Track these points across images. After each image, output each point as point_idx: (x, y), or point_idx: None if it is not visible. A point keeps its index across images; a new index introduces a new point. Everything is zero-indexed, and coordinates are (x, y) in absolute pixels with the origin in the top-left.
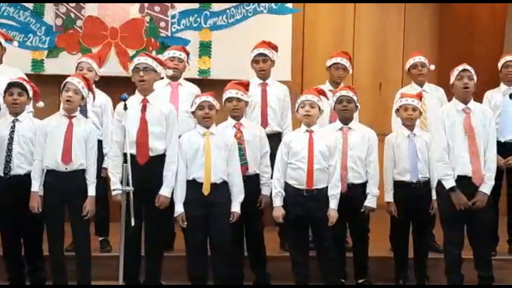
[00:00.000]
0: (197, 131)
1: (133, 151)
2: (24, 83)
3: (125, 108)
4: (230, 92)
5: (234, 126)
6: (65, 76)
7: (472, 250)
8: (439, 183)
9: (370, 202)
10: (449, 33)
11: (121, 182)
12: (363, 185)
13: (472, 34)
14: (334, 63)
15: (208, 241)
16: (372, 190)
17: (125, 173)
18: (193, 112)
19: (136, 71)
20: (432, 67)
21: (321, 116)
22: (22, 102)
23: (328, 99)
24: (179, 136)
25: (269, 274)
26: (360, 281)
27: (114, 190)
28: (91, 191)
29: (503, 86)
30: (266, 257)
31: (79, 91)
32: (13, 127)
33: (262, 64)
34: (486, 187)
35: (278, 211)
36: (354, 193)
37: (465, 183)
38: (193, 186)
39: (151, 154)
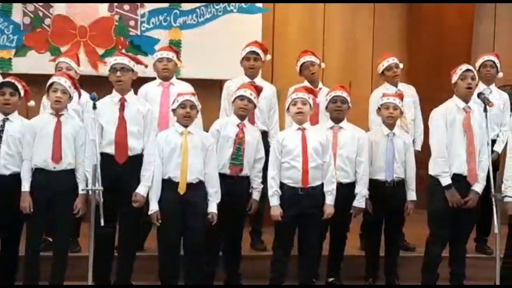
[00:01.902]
0: (175, 129)
1: (110, 150)
2: (16, 82)
3: (94, 107)
4: (245, 91)
5: (238, 125)
6: (33, 75)
7: (450, 247)
8: (433, 179)
9: (359, 202)
10: (418, 33)
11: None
12: (351, 185)
13: (440, 34)
14: (301, 65)
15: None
16: (361, 190)
17: (94, 172)
18: (173, 110)
19: (113, 71)
20: (401, 65)
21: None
22: (14, 102)
23: (316, 97)
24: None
25: (240, 274)
26: (330, 279)
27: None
28: (82, 189)
29: (480, 85)
30: (241, 256)
31: (66, 91)
32: (2, 126)
33: (253, 62)
34: (479, 187)
35: (276, 210)
36: (340, 193)
37: (460, 182)
38: (168, 185)
39: (130, 153)
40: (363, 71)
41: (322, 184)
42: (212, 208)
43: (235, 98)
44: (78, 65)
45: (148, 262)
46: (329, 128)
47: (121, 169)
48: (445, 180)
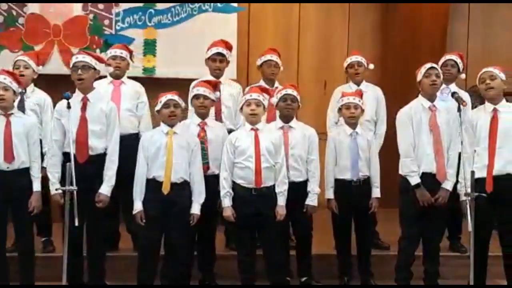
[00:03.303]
0: (160, 129)
1: (72, 150)
2: None
3: (68, 106)
4: (197, 90)
5: (199, 124)
6: None
7: (423, 245)
8: (403, 179)
9: (311, 200)
10: (392, 33)
11: (65, 182)
12: (304, 183)
13: (415, 34)
14: (266, 61)
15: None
16: (313, 188)
17: (69, 172)
18: (158, 111)
19: (75, 69)
20: (371, 66)
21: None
22: None
23: (271, 96)
24: (141, 135)
25: (215, 273)
26: (303, 279)
27: (53, 190)
28: (36, 186)
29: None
30: (215, 256)
31: (8, 87)
32: None
33: (218, 64)
34: (449, 184)
35: (228, 211)
36: (295, 192)
37: (429, 180)
38: (153, 185)
39: (90, 153)
40: (337, 71)
41: (275, 185)
42: (195, 209)
43: (192, 99)
44: (38, 64)
45: (122, 262)
46: (279, 128)
47: (82, 169)
48: (414, 180)
